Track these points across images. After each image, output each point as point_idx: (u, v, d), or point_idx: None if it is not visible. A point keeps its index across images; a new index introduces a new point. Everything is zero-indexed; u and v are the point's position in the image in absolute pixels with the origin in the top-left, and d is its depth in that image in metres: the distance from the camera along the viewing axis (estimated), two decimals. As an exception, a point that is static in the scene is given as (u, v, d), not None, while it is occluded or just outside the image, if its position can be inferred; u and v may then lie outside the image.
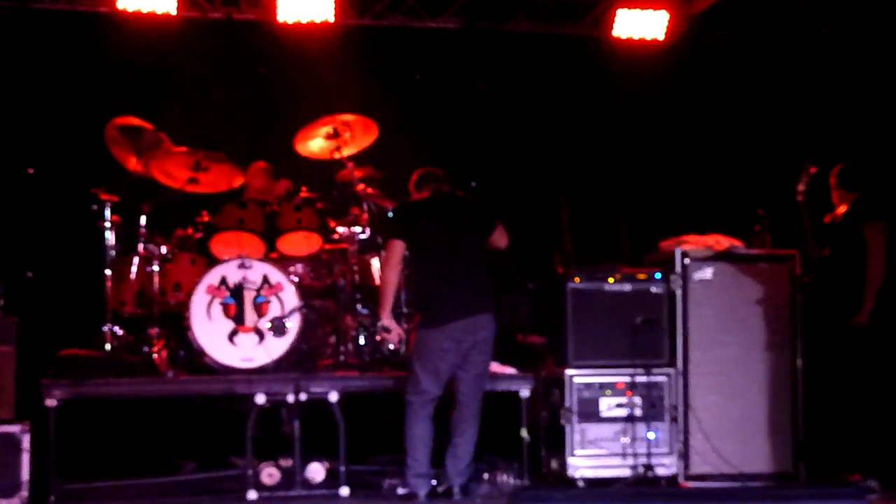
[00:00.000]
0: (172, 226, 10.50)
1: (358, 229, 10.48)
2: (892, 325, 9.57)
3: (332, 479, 9.38)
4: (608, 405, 9.76)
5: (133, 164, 10.34)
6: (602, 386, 9.77)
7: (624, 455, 9.71)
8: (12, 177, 11.36)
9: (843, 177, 9.79)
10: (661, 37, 12.15)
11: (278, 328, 9.72)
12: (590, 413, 9.74)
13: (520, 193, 11.87)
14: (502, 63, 12.38)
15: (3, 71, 11.29)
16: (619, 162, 12.39)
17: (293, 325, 9.78)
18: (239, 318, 9.76)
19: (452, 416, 9.22)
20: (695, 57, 12.40)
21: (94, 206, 10.08)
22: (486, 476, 9.60)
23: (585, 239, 10.93)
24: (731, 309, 9.91)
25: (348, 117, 10.63)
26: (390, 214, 10.25)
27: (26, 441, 9.05)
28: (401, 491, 9.18)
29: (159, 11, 11.37)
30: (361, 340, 10.39)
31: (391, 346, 10.07)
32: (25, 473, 9.01)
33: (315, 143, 10.77)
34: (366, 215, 10.51)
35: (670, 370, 9.81)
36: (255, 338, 9.75)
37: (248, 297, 9.78)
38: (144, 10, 11.33)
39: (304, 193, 10.73)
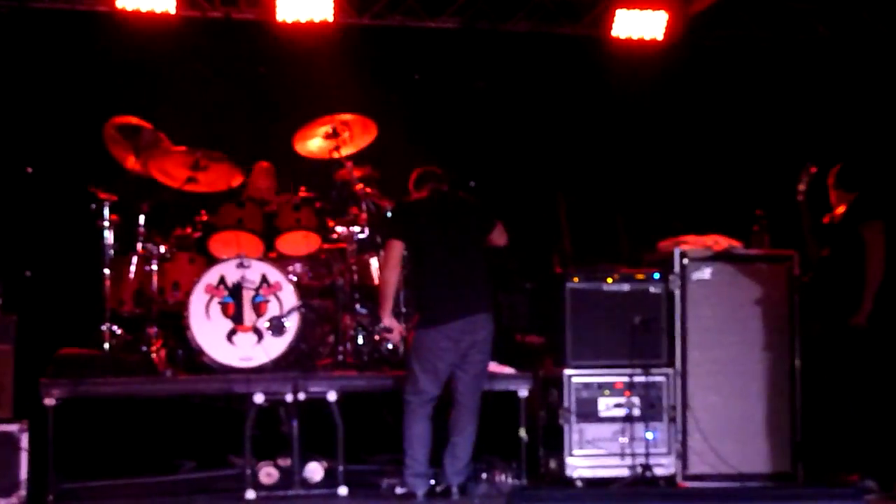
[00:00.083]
0: (171, 225, 10.50)
1: (357, 229, 10.48)
2: (890, 325, 9.57)
3: (330, 479, 9.38)
4: (606, 405, 9.77)
5: (132, 163, 10.33)
6: (600, 386, 9.78)
7: (622, 455, 9.72)
8: (11, 176, 11.35)
9: (842, 177, 9.79)
10: (659, 37, 12.15)
11: (277, 327, 9.71)
12: (588, 413, 9.75)
13: (518, 193, 11.86)
14: (501, 63, 12.38)
15: (2, 70, 11.29)
16: (618, 162, 12.39)
17: (292, 324, 9.78)
18: (237, 318, 9.75)
19: (451, 416, 9.22)
20: (693, 57, 12.41)
21: (93, 205, 10.07)
22: (484, 476, 9.60)
23: (584, 239, 10.94)
24: (730, 309, 9.92)
25: (347, 117, 10.63)
26: (389, 214, 10.24)
27: (25, 440, 9.05)
28: (399, 490, 9.18)
29: (158, 10, 11.37)
30: (360, 340, 10.40)
31: (393, 346, 10.07)
32: (24, 472, 9.02)
33: (314, 143, 10.78)
34: (364, 215, 10.51)
35: (669, 370, 9.81)
36: (254, 337, 9.75)
37: (247, 296, 9.78)
38: (143, 10, 11.33)
39: (302, 193, 10.74)
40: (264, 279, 9.81)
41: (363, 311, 10.45)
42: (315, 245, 10.55)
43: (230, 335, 9.73)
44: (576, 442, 9.73)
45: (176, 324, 10.01)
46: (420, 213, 9.34)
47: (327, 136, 10.63)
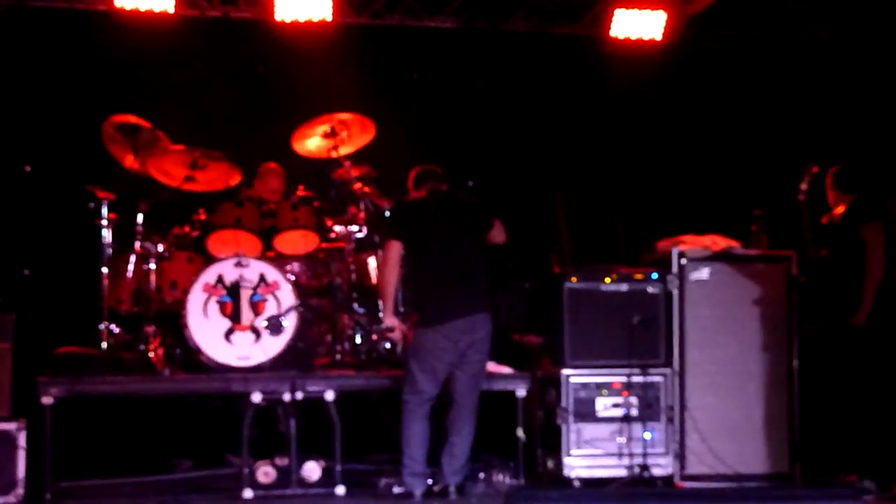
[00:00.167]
0: (169, 224, 10.49)
1: (355, 228, 10.49)
2: (889, 325, 9.57)
3: (328, 478, 9.38)
4: (604, 405, 9.77)
5: (130, 162, 10.33)
6: (598, 386, 9.77)
7: (620, 455, 9.71)
8: (10, 174, 11.36)
9: (840, 178, 9.79)
10: (658, 37, 12.17)
11: (275, 327, 9.71)
12: (586, 413, 9.75)
13: (517, 193, 11.86)
14: (500, 62, 12.39)
15: (1, 69, 11.29)
16: (617, 162, 12.39)
17: (290, 323, 9.77)
18: (235, 317, 9.75)
19: (449, 416, 9.22)
20: (692, 57, 12.41)
21: (91, 204, 10.09)
22: (482, 475, 9.59)
23: (582, 239, 10.94)
24: (728, 309, 9.91)
25: (345, 116, 10.64)
26: (387, 214, 10.25)
27: (22, 439, 9.05)
28: (397, 490, 9.18)
29: (157, 10, 11.38)
30: (358, 339, 10.41)
31: (396, 345, 10.07)
32: (21, 471, 9.02)
33: (312, 142, 10.78)
34: (362, 214, 10.51)
35: (667, 370, 9.81)
36: (252, 336, 9.75)
37: (245, 295, 9.78)
38: (142, 9, 11.35)
39: (301, 192, 10.74)
40: (262, 278, 9.81)
41: (361, 310, 10.46)
42: (313, 244, 10.56)
43: (228, 334, 9.73)
44: (573, 442, 9.73)
45: (174, 323, 10.02)
46: (418, 213, 9.33)
47: (326, 136, 10.64)
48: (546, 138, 12.34)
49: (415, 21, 12.23)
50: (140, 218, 10.15)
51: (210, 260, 10.11)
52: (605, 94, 12.43)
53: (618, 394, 9.76)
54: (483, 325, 9.17)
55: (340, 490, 9.32)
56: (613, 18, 12.10)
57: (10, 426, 9.05)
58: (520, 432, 9.69)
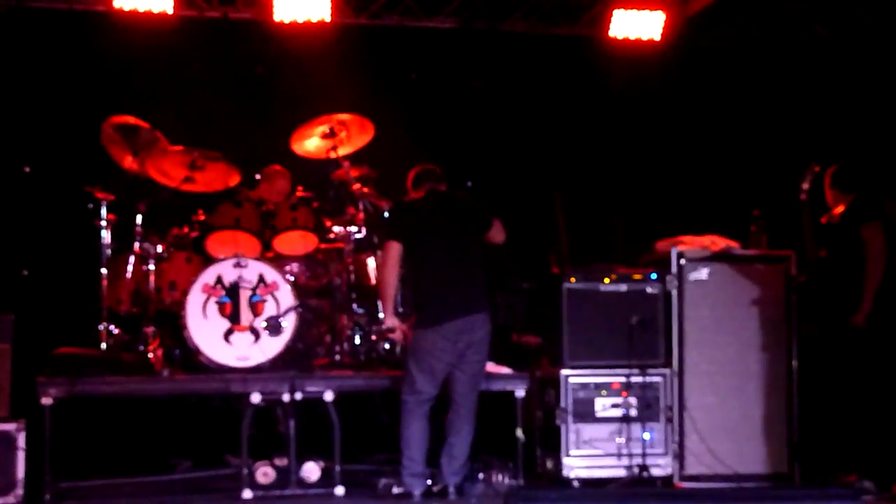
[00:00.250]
0: (168, 224, 10.48)
1: (354, 229, 10.49)
2: (888, 325, 9.57)
3: (327, 479, 9.38)
4: (603, 405, 9.77)
5: (129, 162, 10.32)
6: (597, 386, 9.78)
7: (619, 455, 9.71)
8: (9, 175, 11.35)
9: (838, 177, 9.79)
10: (657, 37, 12.17)
11: (274, 327, 9.71)
12: (585, 413, 9.75)
13: (516, 193, 11.85)
14: (498, 63, 12.38)
15: (0, 69, 11.29)
16: (615, 162, 12.39)
17: (289, 324, 9.77)
18: (234, 317, 9.75)
19: (448, 416, 9.23)
20: (691, 57, 12.41)
21: (90, 205, 10.09)
22: (481, 476, 9.59)
23: (581, 239, 10.94)
24: (727, 309, 9.91)
25: (344, 116, 10.63)
26: (386, 215, 10.25)
27: (22, 439, 9.06)
28: (396, 490, 9.18)
29: (156, 10, 11.38)
30: (357, 340, 10.41)
31: (396, 346, 10.07)
32: (21, 471, 9.02)
33: (311, 143, 10.78)
34: (361, 215, 10.51)
35: (666, 370, 9.81)
36: (251, 337, 9.74)
37: (244, 296, 9.78)
38: (141, 9, 11.34)
39: (300, 193, 10.73)
40: (261, 279, 9.80)
41: (360, 310, 10.45)
42: (312, 245, 10.56)
43: (227, 335, 9.73)
44: (572, 442, 9.73)
45: (173, 323, 10.02)
46: (417, 214, 9.34)
47: (324, 136, 10.64)
48: (545, 139, 12.34)
49: (413, 21, 12.23)
50: (139, 218, 10.15)
51: (209, 260, 10.11)
52: (604, 94, 12.43)
53: (617, 394, 9.77)
54: (482, 326, 9.17)
55: (340, 490, 9.32)
56: (612, 19, 12.10)
57: (10, 427, 9.06)
58: (519, 433, 9.69)
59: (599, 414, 9.76)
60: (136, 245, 10.15)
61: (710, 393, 9.84)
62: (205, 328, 9.70)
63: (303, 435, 9.45)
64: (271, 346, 9.73)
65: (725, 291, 9.91)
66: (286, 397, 9.42)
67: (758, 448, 9.87)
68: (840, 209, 9.72)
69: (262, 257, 10.17)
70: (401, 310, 10.03)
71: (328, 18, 11.69)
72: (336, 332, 10.34)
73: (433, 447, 9.20)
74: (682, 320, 9.85)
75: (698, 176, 12.36)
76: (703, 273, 9.91)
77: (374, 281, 10.36)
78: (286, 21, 11.65)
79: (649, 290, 9.89)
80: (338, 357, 10.25)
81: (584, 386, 9.77)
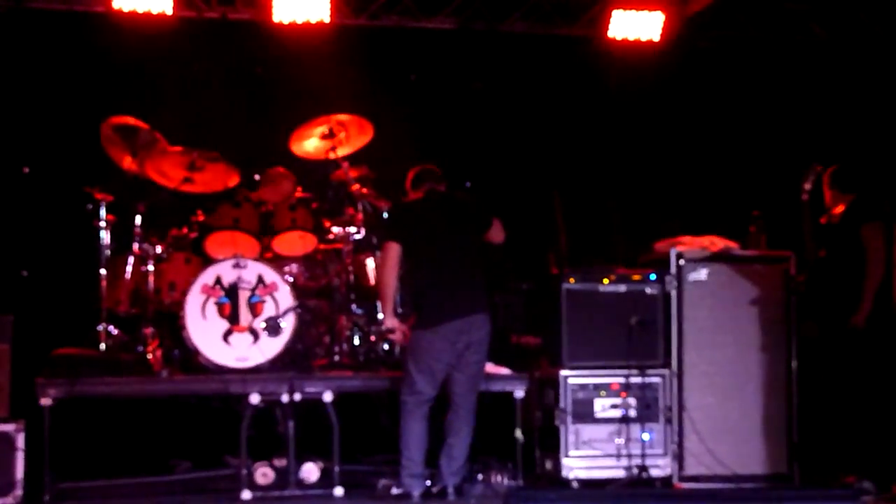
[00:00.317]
0: (167, 225, 10.49)
1: (353, 229, 10.49)
2: (887, 326, 9.57)
3: (326, 479, 9.38)
4: (602, 406, 9.77)
5: (128, 163, 10.33)
6: (596, 387, 9.78)
7: (618, 456, 9.72)
8: (8, 176, 11.34)
9: (837, 178, 9.79)
10: (656, 38, 12.16)
11: (273, 328, 9.72)
12: (584, 414, 9.75)
13: (515, 194, 11.85)
14: (498, 63, 12.37)
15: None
16: (615, 163, 12.39)
17: (288, 324, 9.78)
18: (234, 318, 9.76)
19: (447, 417, 9.22)
20: (690, 58, 12.40)
21: (90, 206, 10.11)
22: (480, 477, 9.60)
23: (580, 239, 10.94)
24: (726, 310, 9.91)
25: (343, 117, 10.63)
26: (385, 216, 10.25)
27: (21, 440, 9.06)
28: (395, 491, 9.17)
29: (155, 11, 11.36)
30: (356, 341, 10.40)
31: (396, 346, 10.07)
32: (20, 472, 9.03)
33: (310, 143, 10.78)
34: (361, 215, 10.51)
35: (665, 371, 9.82)
36: (250, 337, 9.75)
37: (243, 296, 9.78)
38: (140, 10, 11.32)
39: (299, 193, 10.73)
40: (260, 279, 9.81)
41: (359, 311, 10.45)
42: (311, 245, 10.56)
43: (226, 335, 9.73)
44: (572, 443, 9.74)
45: (172, 324, 10.03)
46: (416, 215, 9.34)
47: (324, 137, 10.64)
48: (544, 139, 12.33)
49: (413, 22, 12.22)
50: (138, 219, 10.15)
51: (208, 261, 10.12)
52: (603, 94, 12.43)
53: (616, 395, 9.77)
54: (481, 326, 9.17)
55: (339, 491, 9.32)
56: (611, 19, 12.08)
57: (9, 427, 9.06)
58: (518, 433, 9.70)
59: (598, 414, 9.77)
60: (136, 246, 10.16)
61: (710, 393, 9.85)
62: (204, 329, 9.71)
63: (302, 436, 9.45)
64: (270, 347, 9.74)
65: (724, 292, 9.92)
66: (285, 398, 9.42)
67: (757, 448, 9.87)
68: (839, 209, 9.72)
69: (261, 258, 10.17)
70: (400, 310, 10.04)
71: (327, 19, 11.68)
72: (335, 332, 10.34)
73: (432, 448, 9.20)
74: (682, 321, 9.85)
75: (697, 176, 12.36)
76: (702, 273, 9.92)
77: (373, 281, 10.36)
78: (285, 22, 11.64)
79: (648, 290, 9.90)
80: (337, 358, 10.25)
81: (584, 386, 9.77)
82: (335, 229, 10.55)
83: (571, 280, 9.87)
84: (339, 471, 9.34)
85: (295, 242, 10.55)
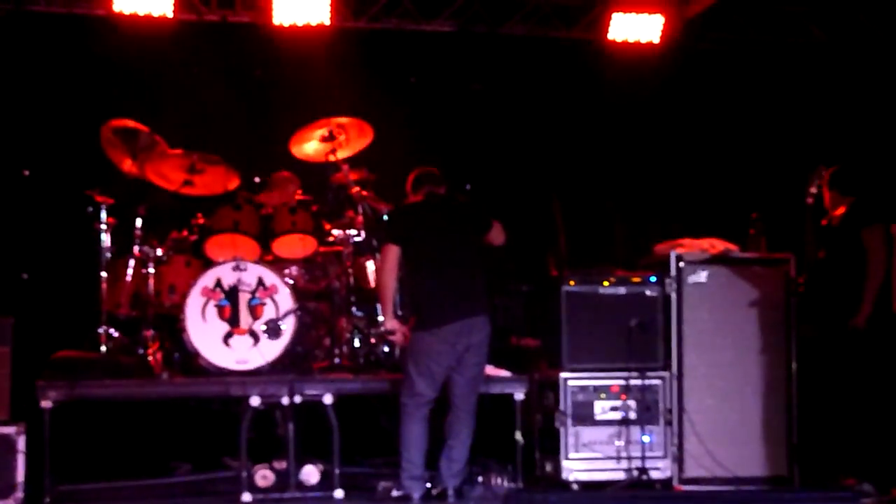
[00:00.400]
0: (168, 228, 10.50)
1: (353, 232, 10.50)
2: (887, 328, 9.57)
3: (326, 482, 9.38)
4: (602, 408, 9.77)
5: (128, 166, 10.34)
6: (596, 389, 9.78)
7: (618, 458, 9.72)
8: (8, 178, 11.35)
9: (837, 180, 9.79)
10: (656, 40, 12.16)
11: (273, 330, 9.72)
12: (584, 416, 9.75)
13: (515, 196, 11.86)
14: (497, 66, 12.38)
15: (0, 73, 11.31)
16: (614, 165, 12.39)
17: (288, 327, 9.78)
18: (234, 321, 9.76)
19: (447, 419, 9.22)
20: (689, 60, 12.41)
21: (90, 208, 10.12)
22: (480, 479, 9.59)
23: (580, 242, 10.94)
24: (726, 312, 9.91)
25: (343, 120, 10.64)
26: (385, 218, 10.25)
27: (21, 442, 9.06)
28: (395, 493, 9.18)
29: (155, 14, 11.37)
30: (356, 343, 10.41)
31: (396, 348, 10.07)
32: (20, 475, 9.02)
33: (310, 146, 10.78)
34: (361, 218, 10.52)
35: (665, 373, 9.82)
36: (250, 340, 9.75)
37: (243, 299, 9.79)
38: (140, 13, 11.33)
39: (299, 196, 10.74)
40: (260, 282, 9.82)
41: (359, 313, 10.45)
42: (311, 248, 10.56)
43: (226, 338, 9.74)
44: (572, 445, 9.74)
45: (172, 326, 10.04)
46: (416, 217, 9.33)
47: (323, 140, 10.64)
48: (544, 142, 12.34)
49: (412, 25, 12.22)
50: (138, 222, 10.16)
51: (208, 264, 10.12)
52: (602, 97, 12.43)
53: (616, 397, 9.77)
54: (481, 328, 9.17)
55: (339, 493, 9.32)
56: (611, 22, 12.09)
57: (10, 430, 9.06)
58: (518, 436, 9.70)
59: (598, 417, 9.77)
60: (136, 248, 10.16)
61: (710, 396, 9.85)
62: (204, 331, 9.72)
63: (302, 438, 9.45)
64: (270, 350, 9.74)
65: (724, 294, 9.92)
66: (285, 400, 9.42)
67: (757, 451, 9.87)
68: (839, 211, 9.72)
69: (261, 260, 10.17)
70: (400, 312, 10.04)
71: (327, 22, 11.68)
72: (335, 335, 10.35)
73: (432, 450, 9.20)
74: (681, 323, 9.85)
75: (697, 178, 12.37)
76: (701, 276, 9.92)
77: (373, 284, 10.36)
78: (285, 24, 11.64)
79: (648, 292, 9.90)
80: (337, 360, 10.25)
81: (584, 389, 9.77)
82: (335, 232, 10.57)
83: (571, 282, 9.87)
84: (339, 473, 9.34)
85: (295, 245, 10.54)
